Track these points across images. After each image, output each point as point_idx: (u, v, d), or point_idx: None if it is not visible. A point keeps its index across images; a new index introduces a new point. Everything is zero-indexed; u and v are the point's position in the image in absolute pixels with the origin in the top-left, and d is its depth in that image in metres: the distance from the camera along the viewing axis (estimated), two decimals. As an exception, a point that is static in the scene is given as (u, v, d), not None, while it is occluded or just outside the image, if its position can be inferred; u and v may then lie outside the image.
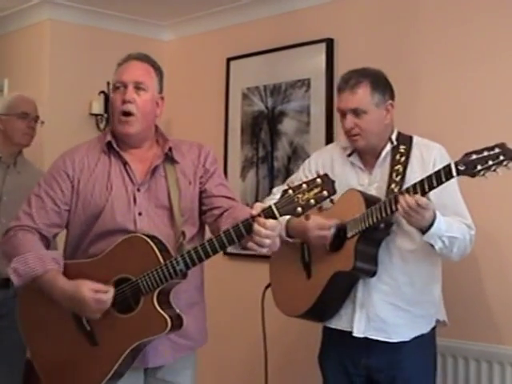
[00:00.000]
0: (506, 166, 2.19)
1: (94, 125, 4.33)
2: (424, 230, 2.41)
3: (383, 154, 2.64)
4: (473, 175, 2.24)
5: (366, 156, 2.69)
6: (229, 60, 4.22)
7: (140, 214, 2.38)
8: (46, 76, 4.19)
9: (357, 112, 2.58)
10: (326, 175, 2.06)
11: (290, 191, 2.07)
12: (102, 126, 4.34)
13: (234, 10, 4.15)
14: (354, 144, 2.65)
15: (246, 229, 2.12)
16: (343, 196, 2.60)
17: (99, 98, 4.32)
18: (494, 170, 2.20)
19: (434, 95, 3.30)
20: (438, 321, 2.68)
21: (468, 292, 3.10)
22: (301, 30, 3.85)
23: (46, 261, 2.30)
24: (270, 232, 2.09)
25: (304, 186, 2.06)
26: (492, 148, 2.20)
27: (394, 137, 2.66)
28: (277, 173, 3.93)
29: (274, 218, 2.10)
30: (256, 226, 2.09)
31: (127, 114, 2.38)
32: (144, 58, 2.46)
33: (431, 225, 2.39)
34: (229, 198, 2.47)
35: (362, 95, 2.58)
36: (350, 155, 2.72)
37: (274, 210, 2.09)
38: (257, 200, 3.96)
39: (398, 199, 2.37)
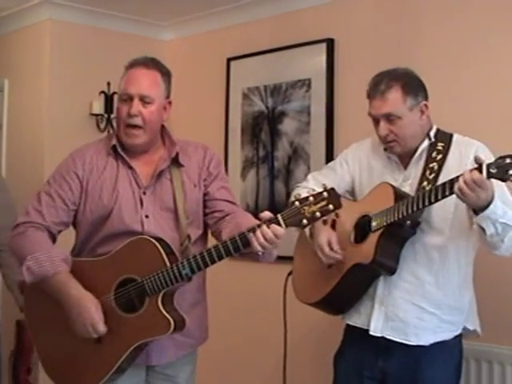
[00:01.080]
0: None
1: (94, 125, 4.32)
2: (478, 211, 2.27)
3: (419, 150, 2.56)
4: (504, 179, 2.17)
5: (402, 152, 2.61)
6: (229, 60, 4.21)
7: (147, 216, 2.42)
8: (46, 76, 4.18)
9: (390, 118, 2.49)
10: (332, 189, 2.11)
11: (297, 203, 2.13)
12: (102, 126, 4.33)
13: (234, 10, 4.15)
14: (391, 150, 2.58)
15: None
16: (375, 188, 2.57)
17: (99, 98, 4.32)
18: None
19: (435, 94, 3.28)
20: (466, 329, 2.58)
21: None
22: (301, 30, 3.85)
23: (56, 262, 2.33)
24: (274, 238, 2.14)
25: (311, 198, 2.11)
26: None
27: (432, 133, 2.58)
28: (277, 173, 3.93)
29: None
30: (264, 227, 2.15)
31: (133, 126, 2.40)
32: (151, 64, 2.44)
33: (487, 206, 2.24)
34: (230, 202, 2.51)
35: (394, 100, 2.49)
36: (386, 149, 2.64)
37: (280, 220, 2.15)
38: (257, 200, 3.96)
39: (455, 180, 2.25)
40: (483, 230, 2.32)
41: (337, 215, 2.36)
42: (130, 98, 2.39)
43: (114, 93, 4.33)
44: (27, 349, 3.40)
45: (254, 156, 4.08)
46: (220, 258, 2.23)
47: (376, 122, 2.55)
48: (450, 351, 2.56)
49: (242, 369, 4.04)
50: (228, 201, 2.51)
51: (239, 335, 4.05)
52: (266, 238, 2.14)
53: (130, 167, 2.45)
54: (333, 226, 2.65)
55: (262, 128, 4.03)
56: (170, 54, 4.47)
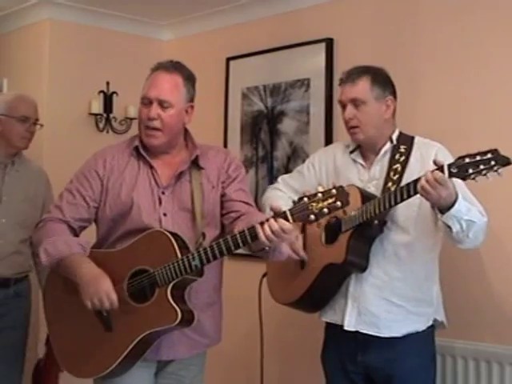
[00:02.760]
0: (496, 171, 2.22)
1: (93, 124, 4.32)
2: (443, 211, 2.39)
3: (382, 151, 2.69)
4: (464, 178, 2.28)
5: (366, 153, 2.74)
6: (228, 60, 4.22)
7: (165, 214, 2.48)
8: (46, 76, 4.18)
9: (356, 103, 2.64)
10: (341, 186, 2.15)
11: (306, 199, 2.16)
12: (101, 125, 4.34)
13: (233, 10, 4.15)
14: (354, 138, 2.70)
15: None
16: None
17: (98, 97, 4.32)
18: (485, 175, 2.23)
19: (434, 95, 3.30)
20: (436, 320, 2.70)
21: (467, 292, 3.10)
22: (300, 30, 3.85)
23: (72, 245, 2.43)
24: (281, 231, 2.17)
25: (319, 195, 2.15)
26: (485, 153, 2.23)
27: (394, 136, 2.71)
28: (276, 173, 3.92)
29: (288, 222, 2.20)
30: (271, 220, 2.18)
31: (152, 128, 2.47)
32: (172, 68, 2.51)
33: (452, 206, 2.37)
34: (246, 203, 2.55)
35: (362, 86, 2.65)
36: (352, 152, 2.77)
37: (288, 215, 2.18)
38: (256, 199, 3.95)
39: (418, 181, 2.35)
40: (449, 227, 2.43)
41: (344, 212, 2.40)
42: (150, 102, 2.46)
43: (113, 92, 4.33)
44: None
45: (253, 156, 4.08)
46: (229, 250, 2.28)
47: (343, 107, 2.69)
48: (424, 341, 2.68)
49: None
50: (244, 202, 2.55)
51: (232, 334, 4.05)
52: (272, 231, 2.17)
53: (151, 166, 2.52)
54: (303, 228, 2.77)
55: (262, 128, 4.03)
56: (169, 53, 4.46)
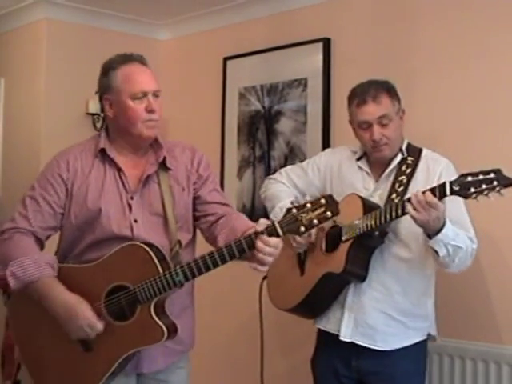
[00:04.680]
0: (498, 191, 2.22)
1: (90, 124, 4.31)
2: (431, 235, 2.40)
3: (392, 164, 2.65)
4: (465, 197, 2.28)
5: (375, 163, 2.70)
6: (225, 59, 4.22)
7: (136, 221, 2.36)
8: (43, 75, 4.17)
9: (383, 121, 2.58)
10: (330, 196, 2.07)
11: (294, 210, 2.07)
12: (98, 125, 4.33)
13: (230, 10, 4.15)
14: (380, 154, 2.64)
15: (248, 244, 2.12)
16: (344, 199, 2.61)
17: (96, 97, 4.27)
18: (486, 195, 2.23)
19: (431, 95, 3.30)
20: (429, 335, 2.70)
21: (465, 291, 3.11)
22: (298, 30, 3.85)
23: (41, 266, 2.28)
24: (273, 250, 2.10)
25: (308, 205, 2.06)
26: (488, 172, 2.23)
27: (404, 147, 2.68)
28: (274, 172, 3.90)
29: (277, 235, 2.10)
30: (259, 244, 2.10)
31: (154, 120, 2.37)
32: (146, 62, 2.41)
33: (440, 230, 2.37)
34: (223, 204, 2.46)
35: (387, 103, 2.60)
36: (358, 159, 2.74)
37: (278, 227, 2.09)
38: (253, 199, 3.96)
39: (410, 200, 2.36)
40: (436, 252, 2.43)
41: (334, 222, 2.36)
42: (145, 95, 2.33)
43: (111, 92, 4.32)
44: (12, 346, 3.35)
45: (250, 155, 4.08)
46: (215, 265, 2.18)
47: (365, 128, 2.61)
48: (418, 349, 2.67)
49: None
50: (220, 203, 2.46)
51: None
52: (264, 253, 2.09)
53: (119, 169, 2.39)
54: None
55: (259, 127, 4.03)
56: (167, 53, 4.48)
